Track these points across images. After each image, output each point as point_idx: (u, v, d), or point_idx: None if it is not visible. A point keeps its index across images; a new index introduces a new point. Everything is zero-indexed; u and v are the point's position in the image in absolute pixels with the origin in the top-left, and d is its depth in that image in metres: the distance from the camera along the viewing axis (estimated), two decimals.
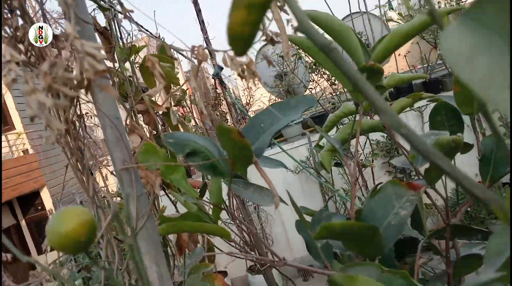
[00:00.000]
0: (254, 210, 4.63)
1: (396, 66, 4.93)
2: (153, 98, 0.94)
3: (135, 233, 0.60)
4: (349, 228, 0.56)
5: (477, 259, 0.95)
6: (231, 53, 0.43)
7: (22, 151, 8.69)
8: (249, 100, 6.42)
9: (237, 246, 1.18)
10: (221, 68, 2.99)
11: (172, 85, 1.03)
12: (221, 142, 0.55)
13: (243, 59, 0.43)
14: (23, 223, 9.27)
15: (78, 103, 0.58)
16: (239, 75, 0.43)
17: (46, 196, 9.07)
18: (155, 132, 0.95)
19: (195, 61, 0.48)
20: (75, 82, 0.35)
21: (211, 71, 3.01)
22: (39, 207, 9.23)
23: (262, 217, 4.70)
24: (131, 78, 0.88)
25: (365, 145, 4.32)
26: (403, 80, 1.08)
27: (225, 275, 4.55)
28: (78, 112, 0.59)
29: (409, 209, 0.66)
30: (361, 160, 4.31)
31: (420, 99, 1.15)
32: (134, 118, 0.88)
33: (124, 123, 0.73)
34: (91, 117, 0.66)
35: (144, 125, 0.95)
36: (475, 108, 0.96)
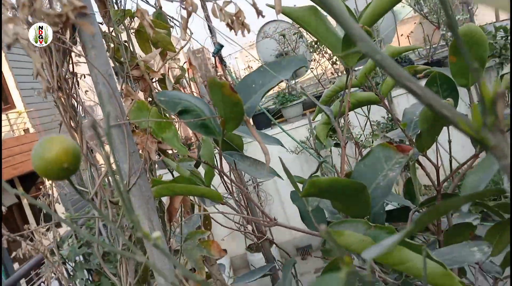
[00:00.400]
0: (253, 190, 4.67)
1: None
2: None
3: (127, 190, 0.61)
4: (337, 184, 0.57)
5: (469, 227, 0.96)
6: (220, 3, 0.43)
7: (23, 130, 8.71)
8: None
9: (234, 221, 1.20)
10: (222, 46, 2.96)
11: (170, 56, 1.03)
12: (212, 98, 0.56)
13: (232, 9, 0.43)
14: (25, 202, 9.35)
15: (70, 60, 0.59)
16: (227, 25, 0.44)
17: None
18: (150, 99, 0.95)
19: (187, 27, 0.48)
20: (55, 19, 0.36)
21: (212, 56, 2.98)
22: (41, 187, 9.29)
23: (261, 197, 4.74)
24: (126, 44, 0.88)
25: (365, 126, 4.32)
26: (399, 52, 1.07)
27: (225, 253, 4.61)
28: (71, 69, 0.60)
29: (397, 171, 0.67)
30: (361, 141, 4.32)
31: (416, 73, 1.14)
32: (129, 84, 0.89)
33: (119, 88, 0.73)
34: (83, 76, 0.66)
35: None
36: (470, 79, 0.96)
